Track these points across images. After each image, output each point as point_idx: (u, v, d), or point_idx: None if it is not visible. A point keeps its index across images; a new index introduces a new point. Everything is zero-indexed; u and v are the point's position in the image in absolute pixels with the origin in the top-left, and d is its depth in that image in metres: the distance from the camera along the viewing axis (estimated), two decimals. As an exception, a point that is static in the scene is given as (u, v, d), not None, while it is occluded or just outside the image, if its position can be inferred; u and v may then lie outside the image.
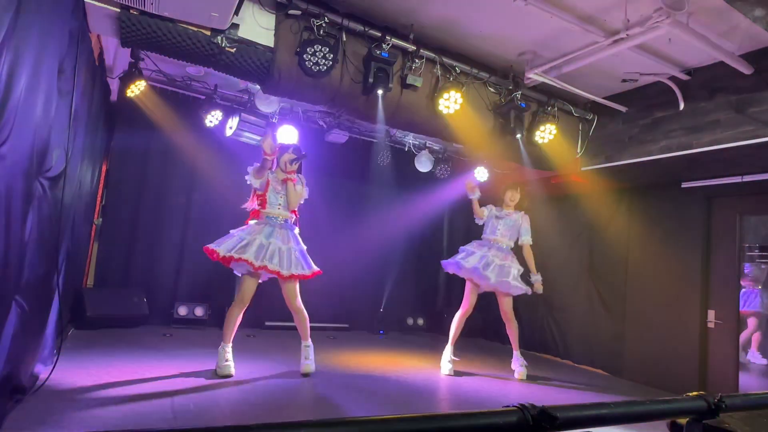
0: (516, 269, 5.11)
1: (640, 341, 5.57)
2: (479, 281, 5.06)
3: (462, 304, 5.19)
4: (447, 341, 5.22)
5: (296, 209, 4.48)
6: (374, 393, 4.06)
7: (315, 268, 4.36)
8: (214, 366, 4.16)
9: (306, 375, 4.32)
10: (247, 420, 3.14)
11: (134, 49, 4.67)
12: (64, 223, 3.36)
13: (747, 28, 3.75)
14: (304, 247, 4.43)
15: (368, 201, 7.42)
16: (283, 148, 4.49)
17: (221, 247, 4.08)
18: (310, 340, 4.44)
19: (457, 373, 5.02)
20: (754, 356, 5.65)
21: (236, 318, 4.20)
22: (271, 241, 4.16)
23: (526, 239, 5.27)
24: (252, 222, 4.35)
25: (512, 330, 5.20)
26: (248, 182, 4.39)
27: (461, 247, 5.36)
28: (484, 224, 5.37)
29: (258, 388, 3.85)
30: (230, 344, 4.18)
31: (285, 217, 4.38)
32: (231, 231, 4.31)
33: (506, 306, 5.16)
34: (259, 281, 4.31)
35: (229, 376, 4.02)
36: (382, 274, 7.55)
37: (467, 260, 5.08)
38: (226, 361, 4.09)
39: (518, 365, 5.18)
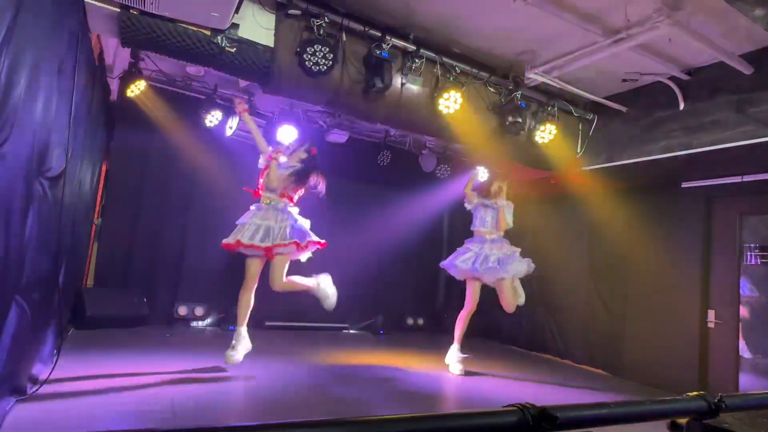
0: (516, 251, 5.08)
1: (640, 341, 5.57)
2: (480, 277, 5.04)
3: (465, 303, 5.16)
4: (448, 341, 5.21)
5: (291, 196, 4.44)
6: (374, 392, 4.06)
7: (312, 239, 4.27)
8: (213, 366, 4.17)
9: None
10: (247, 419, 3.14)
11: (134, 49, 4.67)
12: (64, 223, 3.36)
13: (747, 28, 3.74)
14: (305, 224, 4.36)
15: (368, 201, 7.42)
16: (292, 146, 4.55)
17: (230, 238, 4.17)
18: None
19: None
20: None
21: (246, 301, 4.20)
22: (263, 222, 4.18)
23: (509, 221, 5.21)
24: (252, 207, 4.39)
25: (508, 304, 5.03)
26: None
27: (458, 249, 5.31)
28: (472, 213, 5.34)
29: (258, 388, 3.85)
30: (244, 326, 4.15)
31: (276, 200, 4.35)
32: (237, 222, 4.35)
33: (507, 293, 4.98)
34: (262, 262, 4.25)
35: (234, 363, 3.99)
36: (382, 274, 7.55)
37: (461, 260, 5.07)
38: (232, 348, 4.02)
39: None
